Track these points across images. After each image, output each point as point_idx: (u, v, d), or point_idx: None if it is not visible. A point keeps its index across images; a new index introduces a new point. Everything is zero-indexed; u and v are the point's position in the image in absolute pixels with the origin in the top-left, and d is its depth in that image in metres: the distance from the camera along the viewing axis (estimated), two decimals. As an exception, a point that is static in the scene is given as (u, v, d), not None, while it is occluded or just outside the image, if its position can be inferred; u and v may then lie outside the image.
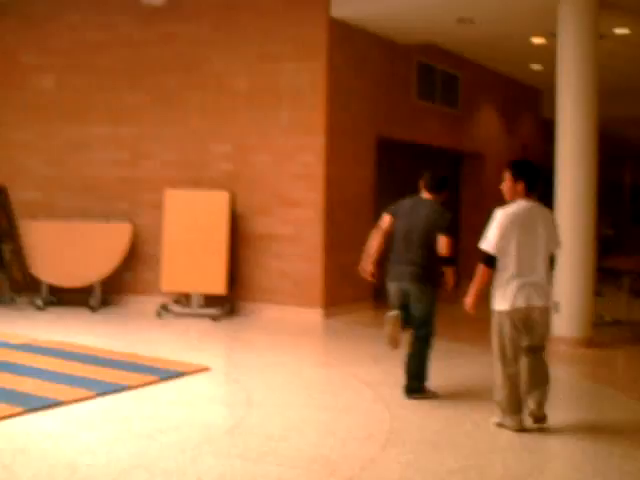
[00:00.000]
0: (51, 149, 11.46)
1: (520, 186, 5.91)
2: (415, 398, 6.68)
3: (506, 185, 5.98)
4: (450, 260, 6.68)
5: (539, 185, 6.00)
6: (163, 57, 11.26)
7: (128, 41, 11.33)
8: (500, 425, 5.95)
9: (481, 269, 5.87)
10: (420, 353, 6.76)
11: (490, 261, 5.82)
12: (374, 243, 6.94)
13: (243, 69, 10.99)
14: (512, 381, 5.89)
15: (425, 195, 6.91)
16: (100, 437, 5.49)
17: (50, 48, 11.47)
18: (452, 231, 6.82)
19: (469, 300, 5.96)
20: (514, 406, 5.89)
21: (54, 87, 11.48)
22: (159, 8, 11.00)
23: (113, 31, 11.37)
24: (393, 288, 6.82)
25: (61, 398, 6.28)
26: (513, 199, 5.95)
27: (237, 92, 11.01)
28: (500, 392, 5.94)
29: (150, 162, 11.32)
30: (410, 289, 6.71)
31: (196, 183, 11.01)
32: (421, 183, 6.97)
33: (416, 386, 6.73)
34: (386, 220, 6.93)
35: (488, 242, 5.83)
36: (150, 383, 6.98)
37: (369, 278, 7.00)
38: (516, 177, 5.92)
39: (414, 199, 6.95)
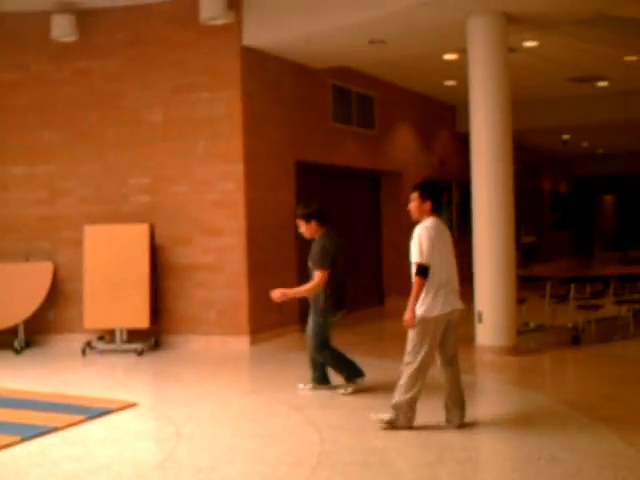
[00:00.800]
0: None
1: (427, 205, 6.39)
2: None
3: (414, 205, 6.44)
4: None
5: (442, 203, 6.52)
6: (77, 94, 11.18)
7: (41, 79, 11.23)
8: (389, 423, 6.33)
9: (418, 282, 6.19)
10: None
11: (425, 272, 6.18)
12: None
13: (158, 102, 10.95)
14: (422, 384, 6.32)
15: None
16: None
17: None
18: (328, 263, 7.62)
19: (409, 316, 6.20)
20: (414, 407, 6.34)
21: None
22: (71, 45, 10.89)
23: (25, 70, 11.26)
24: None
25: (-13, 445, 6.15)
26: (421, 218, 6.40)
27: (153, 125, 10.97)
28: (409, 395, 6.29)
29: (68, 199, 11.20)
30: None
31: (115, 217, 10.92)
32: None
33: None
34: None
35: (423, 255, 6.17)
36: (78, 423, 6.88)
37: None
38: (423, 197, 6.41)
39: None
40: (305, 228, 7.79)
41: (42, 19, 10.80)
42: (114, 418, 7.11)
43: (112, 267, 10.55)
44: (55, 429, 6.66)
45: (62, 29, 10.71)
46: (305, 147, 12.21)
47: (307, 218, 7.74)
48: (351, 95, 13.57)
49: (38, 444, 6.29)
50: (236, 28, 10.64)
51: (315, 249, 7.68)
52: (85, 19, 10.89)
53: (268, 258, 11.05)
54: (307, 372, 8.11)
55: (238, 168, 10.70)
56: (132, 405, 7.45)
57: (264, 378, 9.05)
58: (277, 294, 7.70)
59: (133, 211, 10.95)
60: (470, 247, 9.93)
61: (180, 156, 10.88)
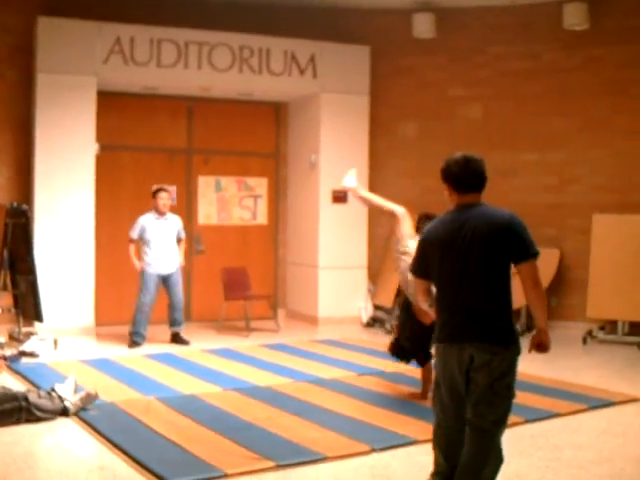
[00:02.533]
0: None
1: None
2: None
3: None
4: None
5: None
6: (588, 81, 11.13)
7: (553, 67, 11.36)
8: None
9: None
10: None
11: None
12: None
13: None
14: None
15: None
16: (530, 464, 5.47)
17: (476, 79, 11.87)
18: None
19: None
20: None
21: (481, 116, 11.84)
22: (582, 32, 10.85)
23: (537, 58, 11.47)
24: None
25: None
26: None
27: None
28: None
29: (578, 187, 11.22)
30: None
31: (624, 207, 10.67)
32: None
33: None
34: None
35: None
36: (579, 411, 6.88)
37: None
38: None
39: None
40: None
41: (554, 9, 10.95)
42: (616, 411, 6.98)
43: (620, 258, 10.34)
44: (557, 414, 6.71)
45: (574, 17, 10.81)
46: None
47: None
48: None
49: (541, 427, 6.37)
50: None
51: None
52: (598, 6, 10.79)
53: None
54: None
55: None
56: (635, 400, 7.24)
57: None
58: None
59: (640, 202, 10.62)
60: None
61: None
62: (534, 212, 11.27)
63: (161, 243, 9.74)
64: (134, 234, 9.77)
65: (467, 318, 4.28)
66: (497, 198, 11.26)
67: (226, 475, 5.08)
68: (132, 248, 9.80)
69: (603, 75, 11.01)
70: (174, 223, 9.98)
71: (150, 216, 9.82)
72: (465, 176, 4.49)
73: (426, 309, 4.61)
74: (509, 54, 11.65)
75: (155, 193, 9.93)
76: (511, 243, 4.32)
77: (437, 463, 4.53)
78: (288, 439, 5.85)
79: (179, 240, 10.01)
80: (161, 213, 9.81)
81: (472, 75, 11.90)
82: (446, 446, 4.45)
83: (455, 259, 4.31)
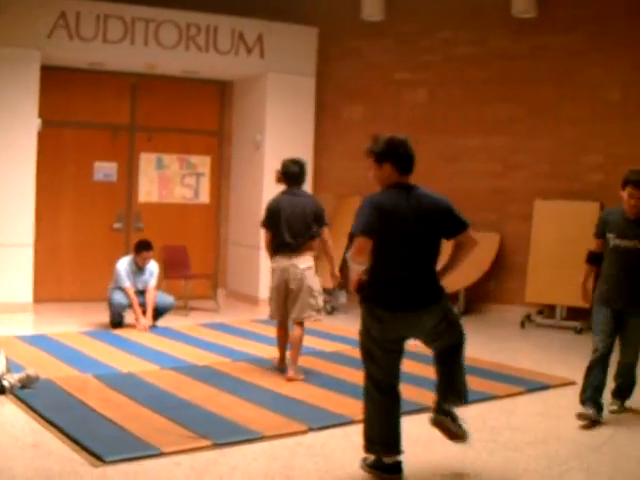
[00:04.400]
0: (420, 161, 11.70)
1: None
2: None
3: None
4: None
5: None
6: (535, 69, 11.17)
7: (500, 54, 11.39)
8: None
9: None
10: None
11: None
12: None
13: (617, 79, 10.59)
14: None
15: None
16: (467, 446, 5.47)
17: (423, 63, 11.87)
18: None
19: None
20: None
21: (426, 101, 11.85)
22: (530, 20, 10.92)
23: (484, 44, 11.50)
24: None
25: (429, 403, 6.35)
26: None
27: (610, 102, 10.63)
28: None
29: (520, 173, 11.29)
30: None
31: (566, 195, 10.76)
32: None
33: None
34: None
35: None
36: (516, 394, 6.96)
37: None
38: None
39: None
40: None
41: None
42: (552, 394, 7.08)
43: (560, 243, 10.47)
44: (495, 397, 6.78)
45: (522, 5, 10.83)
46: None
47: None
48: None
49: (478, 409, 6.40)
50: None
51: None
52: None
53: None
54: None
55: None
56: (571, 383, 7.29)
57: None
58: None
59: (584, 189, 10.69)
60: None
61: (635, 135, 10.39)
62: (476, 197, 11.38)
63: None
64: (127, 283, 9.31)
65: (421, 288, 4.70)
66: (440, 182, 11.44)
67: (162, 453, 5.04)
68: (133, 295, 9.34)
69: (549, 63, 11.06)
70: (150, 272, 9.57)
71: (128, 268, 9.41)
72: (411, 157, 4.82)
73: (357, 270, 4.62)
74: (457, 39, 11.64)
75: (139, 250, 9.44)
76: (452, 220, 4.83)
77: None
78: (225, 418, 5.83)
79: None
80: (140, 268, 9.47)
81: (419, 59, 11.88)
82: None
83: (413, 233, 4.65)
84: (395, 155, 4.73)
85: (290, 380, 7.11)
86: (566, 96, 10.96)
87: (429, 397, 6.45)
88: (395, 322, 4.65)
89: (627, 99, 10.52)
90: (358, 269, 4.65)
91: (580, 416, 5.98)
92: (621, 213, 6.11)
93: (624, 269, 6.02)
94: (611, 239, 6.06)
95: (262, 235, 7.75)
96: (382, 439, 4.79)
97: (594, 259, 6.32)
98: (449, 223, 4.81)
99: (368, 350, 4.77)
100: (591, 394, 6.03)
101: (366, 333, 4.75)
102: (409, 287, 4.67)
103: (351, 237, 4.66)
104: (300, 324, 7.27)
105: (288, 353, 7.37)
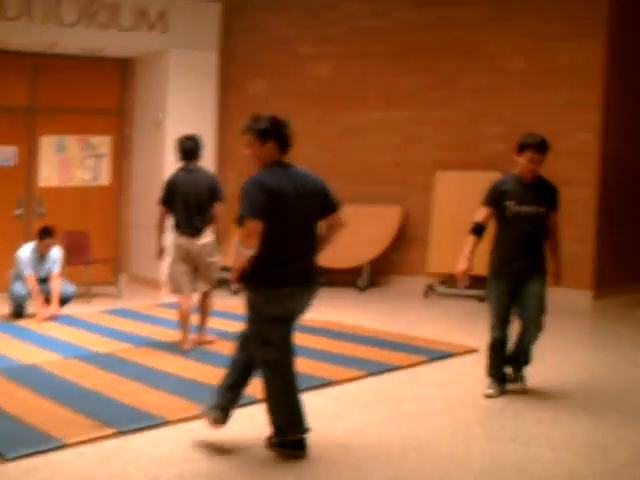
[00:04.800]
0: (326, 135, 11.80)
1: None
2: None
3: None
4: None
5: None
6: (438, 40, 11.25)
7: (403, 26, 11.42)
8: None
9: None
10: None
11: None
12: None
13: (519, 50, 10.78)
14: None
15: None
16: (372, 418, 5.61)
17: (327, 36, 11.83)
18: None
19: None
20: None
21: (330, 75, 11.82)
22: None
23: (388, 17, 11.52)
24: None
25: (333, 377, 6.47)
26: None
27: (512, 73, 10.82)
28: None
29: (422, 145, 11.38)
30: None
31: (468, 165, 10.92)
32: None
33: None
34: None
35: None
36: (419, 363, 7.08)
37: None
38: None
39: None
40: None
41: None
42: (455, 362, 7.23)
43: (461, 214, 10.58)
44: (398, 367, 6.89)
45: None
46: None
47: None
48: None
49: (382, 380, 6.53)
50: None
51: None
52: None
53: (620, 211, 10.54)
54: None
55: (596, 118, 10.29)
56: (473, 350, 7.50)
57: (607, 334, 8.74)
58: None
59: (486, 159, 10.84)
60: None
61: (537, 105, 10.60)
62: (379, 170, 11.49)
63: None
64: (28, 271, 9.00)
65: (307, 265, 4.83)
66: (343, 156, 11.65)
67: (65, 445, 4.97)
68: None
69: (452, 34, 11.15)
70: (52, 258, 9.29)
71: (31, 255, 9.11)
72: (290, 136, 4.88)
73: (246, 255, 4.63)
74: (361, 12, 11.64)
75: (42, 237, 9.11)
76: (327, 200, 4.92)
77: None
78: (129, 405, 5.79)
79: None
80: (42, 255, 9.19)
81: (323, 32, 11.86)
82: None
83: (298, 212, 4.72)
84: (279, 133, 4.80)
85: (203, 342, 7.42)
86: (468, 67, 11.09)
87: (331, 371, 6.62)
88: (287, 298, 4.76)
89: (528, 69, 10.71)
90: (247, 253, 4.64)
91: (488, 396, 6.07)
92: (516, 180, 6.06)
93: (527, 234, 6.01)
94: (510, 206, 5.98)
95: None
96: (287, 419, 4.83)
97: (480, 230, 6.17)
98: (325, 203, 4.90)
99: (262, 334, 4.80)
100: (495, 372, 6.17)
101: (258, 316, 4.79)
102: (298, 265, 4.76)
103: (240, 220, 4.65)
104: (207, 294, 7.60)
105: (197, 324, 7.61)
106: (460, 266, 6.06)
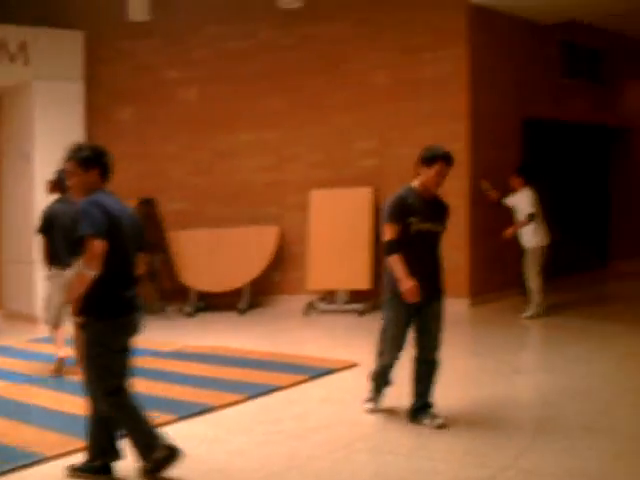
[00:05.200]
0: (198, 159, 11.74)
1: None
2: None
3: None
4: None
5: None
6: (304, 59, 11.34)
7: (269, 47, 11.47)
8: None
9: None
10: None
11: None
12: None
13: (383, 64, 10.94)
14: None
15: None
16: (252, 440, 5.53)
17: (193, 61, 11.78)
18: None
19: None
20: None
21: (198, 99, 11.76)
22: (297, 11, 11.05)
23: (253, 38, 11.54)
24: None
25: (213, 403, 6.38)
26: None
27: (378, 87, 10.95)
28: None
29: (295, 165, 11.42)
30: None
31: (341, 182, 11.01)
32: None
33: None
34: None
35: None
36: (300, 382, 7.02)
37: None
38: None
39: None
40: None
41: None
42: (336, 378, 7.22)
43: (336, 230, 10.71)
44: (279, 388, 6.82)
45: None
46: (533, 104, 11.77)
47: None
48: (580, 49, 12.94)
49: (262, 402, 6.46)
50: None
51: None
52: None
53: (492, 219, 10.80)
54: (528, 334, 7.85)
55: (463, 127, 10.50)
56: (353, 365, 7.51)
57: (485, 340, 8.90)
58: None
59: (358, 175, 10.98)
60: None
61: (404, 117, 10.78)
62: (255, 191, 11.48)
63: None
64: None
65: (137, 292, 4.86)
66: (218, 179, 11.60)
67: None
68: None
69: (317, 52, 11.26)
70: None
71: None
72: (112, 164, 4.90)
73: (88, 278, 4.55)
74: (225, 34, 11.64)
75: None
76: (143, 235, 5.11)
77: None
78: (3, 444, 5.55)
79: None
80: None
81: (188, 57, 11.80)
82: None
83: (131, 238, 4.81)
84: (101, 161, 4.84)
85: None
86: (335, 84, 11.18)
87: (211, 397, 6.53)
88: (131, 325, 4.81)
89: (395, 83, 10.87)
90: (90, 275, 4.52)
91: (372, 412, 6.04)
92: (416, 195, 5.68)
93: (429, 252, 5.70)
94: (414, 223, 5.59)
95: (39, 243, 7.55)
96: (151, 440, 4.76)
97: (397, 246, 5.64)
98: (142, 238, 5.06)
99: (105, 365, 4.71)
100: (379, 391, 6.10)
101: (100, 348, 4.68)
102: (134, 291, 4.84)
103: (79, 242, 4.58)
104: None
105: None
106: (406, 284, 5.51)
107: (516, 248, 10.29)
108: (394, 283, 5.62)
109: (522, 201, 9.78)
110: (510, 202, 9.99)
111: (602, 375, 6.85)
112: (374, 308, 10.62)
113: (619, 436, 5.26)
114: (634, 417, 5.60)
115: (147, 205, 11.05)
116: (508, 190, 10.14)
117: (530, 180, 9.88)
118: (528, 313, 9.82)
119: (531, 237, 9.81)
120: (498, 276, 10.93)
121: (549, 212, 10.47)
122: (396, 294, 5.62)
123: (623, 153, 14.50)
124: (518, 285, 10.68)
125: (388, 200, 5.79)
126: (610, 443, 5.13)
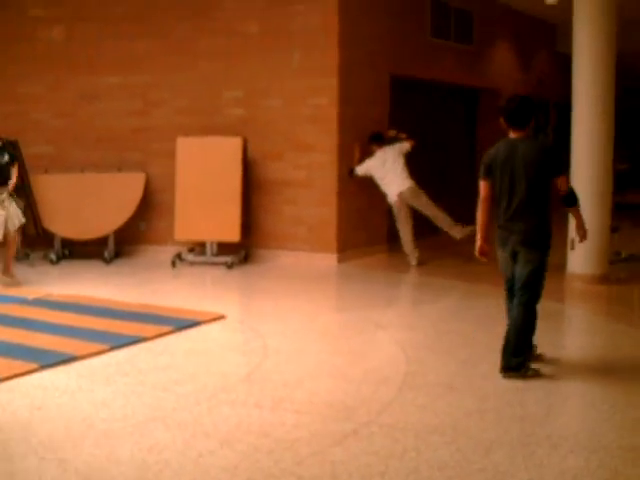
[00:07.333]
0: (62, 101, 11.37)
1: None
2: (510, 377, 5.71)
3: None
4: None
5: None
6: (173, 3, 11.09)
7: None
8: None
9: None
10: (522, 322, 5.78)
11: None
12: (481, 217, 5.98)
13: (254, 13, 10.79)
14: None
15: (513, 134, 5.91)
16: (116, 391, 5.48)
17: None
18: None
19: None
20: None
21: (63, 38, 11.35)
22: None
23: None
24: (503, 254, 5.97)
25: (76, 353, 6.27)
26: None
27: (248, 36, 10.82)
28: None
29: (161, 110, 11.21)
30: (519, 250, 5.84)
31: (209, 130, 10.88)
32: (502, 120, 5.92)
33: (513, 363, 5.71)
34: (483, 186, 5.94)
35: None
36: (165, 334, 6.96)
37: (484, 259, 6.09)
38: None
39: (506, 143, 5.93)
40: None
41: None
42: (202, 330, 7.18)
43: (204, 180, 10.57)
44: (143, 339, 6.75)
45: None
46: (401, 61, 11.82)
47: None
48: (450, 10, 13.15)
49: (127, 353, 6.39)
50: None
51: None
52: None
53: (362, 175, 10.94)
54: (393, 291, 8.00)
55: (332, 82, 10.49)
56: (220, 317, 7.51)
57: (351, 296, 9.02)
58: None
59: (226, 124, 10.87)
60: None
61: (274, 69, 10.71)
62: (120, 137, 11.22)
63: None
64: None
65: None
66: (82, 123, 11.27)
67: None
68: None
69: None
70: None
71: None
72: None
73: None
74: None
75: None
76: None
77: None
78: None
79: None
80: None
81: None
82: None
83: None
84: None
85: None
86: (204, 30, 10.98)
87: (74, 346, 6.42)
88: None
89: (264, 33, 10.75)
90: None
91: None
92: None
93: None
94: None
95: None
96: None
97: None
98: None
99: None
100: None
101: None
102: None
103: None
104: None
105: None
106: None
107: (384, 205, 10.48)
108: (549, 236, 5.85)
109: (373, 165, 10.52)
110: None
111: (463, 334, 7.05)
112: (243, 261, 10.67)
113: (477, 394, 5.45)
114: (492, 376, 5.79)
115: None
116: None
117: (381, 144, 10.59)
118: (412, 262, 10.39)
119: (388, 193, 10.49)
120: (366, 232, 11.07)
121: (416, 170, 10.69)
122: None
123: (491, 115, 14.86)
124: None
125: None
126: (468, 401, 5.30)
